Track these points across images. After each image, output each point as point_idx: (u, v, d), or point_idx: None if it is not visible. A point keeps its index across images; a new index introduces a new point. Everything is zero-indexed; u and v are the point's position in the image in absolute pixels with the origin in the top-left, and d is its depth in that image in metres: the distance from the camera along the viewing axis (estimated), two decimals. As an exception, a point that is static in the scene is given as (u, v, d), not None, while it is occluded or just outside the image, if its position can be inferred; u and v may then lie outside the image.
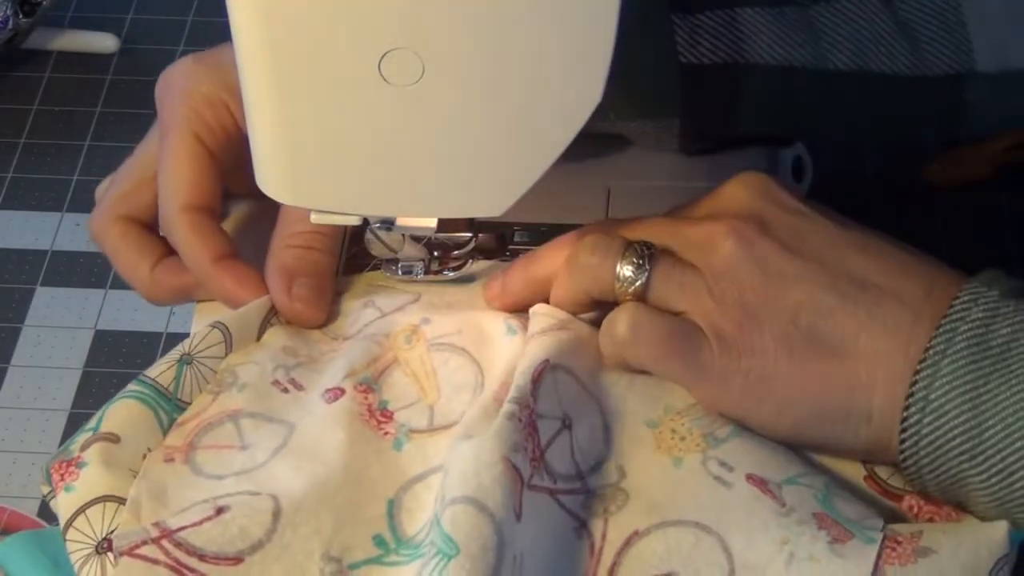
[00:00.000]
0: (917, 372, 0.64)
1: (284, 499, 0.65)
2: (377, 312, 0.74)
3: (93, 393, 1.64)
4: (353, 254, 0.79)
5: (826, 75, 0.78)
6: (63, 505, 0.67)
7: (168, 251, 0.78)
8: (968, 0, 0.78)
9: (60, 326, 1.69)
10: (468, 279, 0.76)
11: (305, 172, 0.67)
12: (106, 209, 0.79)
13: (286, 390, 0.71)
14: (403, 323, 0.73)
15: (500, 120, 0.65)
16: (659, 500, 0.65)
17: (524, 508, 0.63)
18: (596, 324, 0.70)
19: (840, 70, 0.78)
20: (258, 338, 0.74)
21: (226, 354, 0.72)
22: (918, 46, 0.78)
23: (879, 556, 0.62)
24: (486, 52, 0.63)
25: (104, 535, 0.66)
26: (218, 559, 0.63)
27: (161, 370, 0.71)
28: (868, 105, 0.79)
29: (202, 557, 0.63)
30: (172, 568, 0.63)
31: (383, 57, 0.62)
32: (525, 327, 0.71)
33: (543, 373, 0.67)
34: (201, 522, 0.64)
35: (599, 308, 0.70)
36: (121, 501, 0.66)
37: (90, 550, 0.65)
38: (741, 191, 0.70)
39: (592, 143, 0.77)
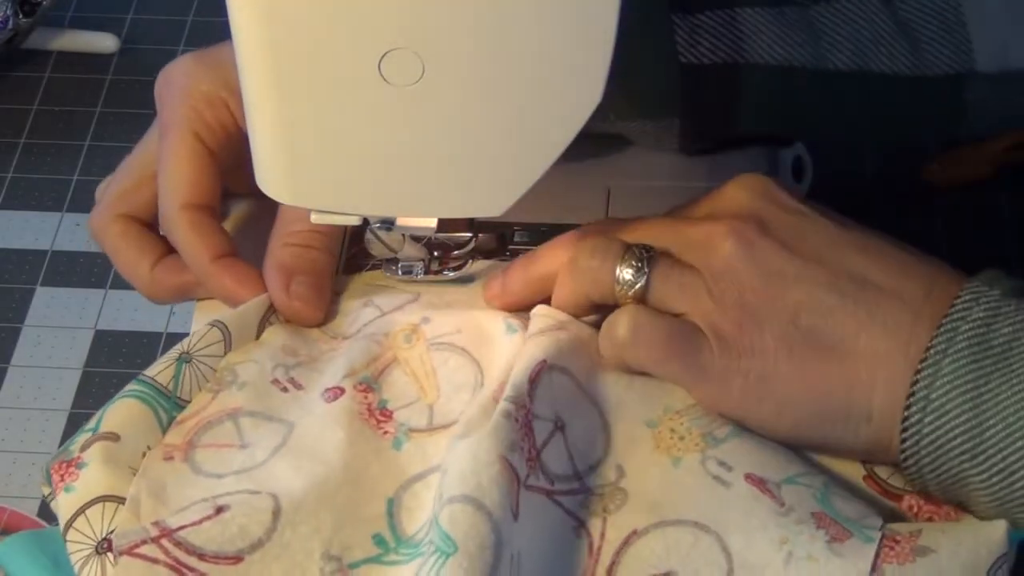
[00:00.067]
0: (918, 372, 0.64)
1: (284, 498, 0.65)
2: (377, 311, 0.74)
3: (93, 393, 1.64)
4: (353, 254, 0.79)
5: (826, 75, 0.78)
6: (63, 506, 0.67)
7: (168, 250, 0.78)
8: (968, 0, 0.78)
9: (60, 326, 1.69)
10: (468, 279, 0.76)
11: (305, 172, 0.67)
12: (106, 207, 0.79)
13: (285, 389, 0.71)
14: (403, 322, 0.73)
15: (500, 120, 0.65)
16: (658, 500, 0.65)
17: (521, 508, 0.63)
18: (596, 326, 0.70)
19: (840, 70, 0.78)
20: (257, 336, 0.74)
21: (225, 352, 0.72)
22: (918, 46, 0.78)
23: (877, 555, 0.62)
24: (486, 52, 0.63)
25: (104, 535, 0.66)
26: (218, 558, 0.63)
27: (160, 369, 0.71)
28: (868, 105, 0.79)
29: (202, 556, 0.63)
30: (172, 567, 0.63)
31: (383, 57, 0.62)
32: (525, 326, 0.71)
33: (540, 373, 0.67)
34: (201, 521, 0.64)
35: (600, 311, 0.70)
36: (121, 501, 0.66)
37: (90, 550, 0.65)
38: (741, 192, 0.70)
39: (592, 143, 0.77)
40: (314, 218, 0.70)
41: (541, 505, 0.65)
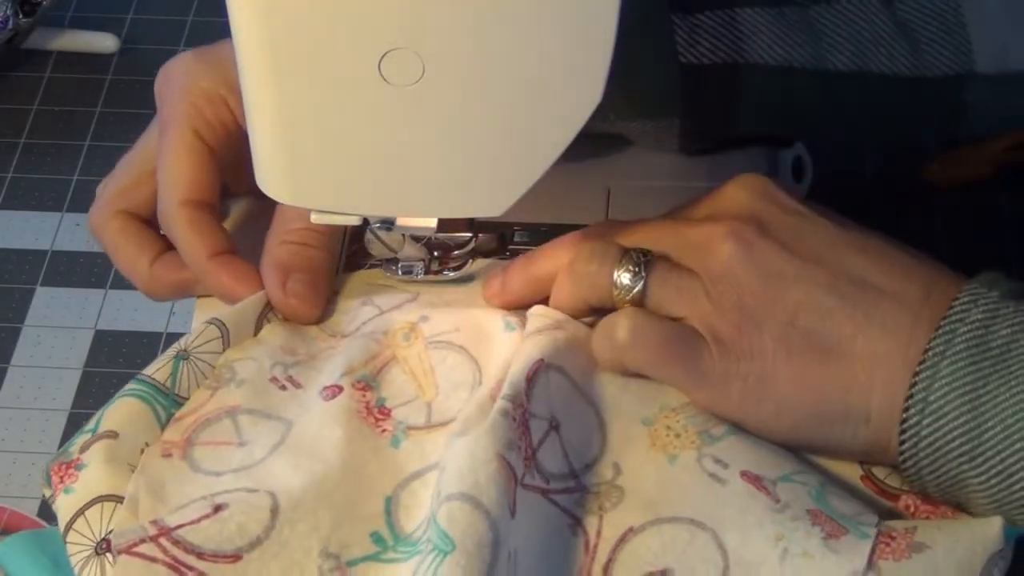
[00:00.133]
0: (916, 373, 0.64)
1: (282, 496, 0.65)
2: (375, 310, 0.75)
3: (93, 393, 1.64)
4: (353, 251, 0.79)
5: (826, 75, 0.78)
6: (62, 508, 0.67)
7: (167, 246, 0.77)
8: (968, 1, 0.78)
9: (60, 326, 1.69)
10: (468, 279, 0.76)
11: (305, 172, 0.67)
12: (105, 204, 0.79)
13: (284, 387, 0.71)
14: (401, 321, 0.73)
15: (500, 120, 0.65)
16: (654, 497, 0.66)
17: (518, 506, 0.63)
18: (592, 326, 0.70)
19: (840, 71, 0.78)
20: (255, 334, 0.74)
21: (223, 349, 0.72)
22: (918, 47, 0.78)
23: (873, 551, 0.62)
24: (486, 52, 0.63)
25: (103, 535, 0.66)
26: (216, 557, 0.63)
27: (157, 367, 0.71)
28: (868, 106, 0.80)
29: (200, 555, 0.63)
30: (170, 566, 0.63)
31: (383, 57, 0.62)
32: (523, 324, 0.71)
33: (538, 373, 0.67)
34: (199, 520, 0.64)
35: (597, 314, 0.71)
36: (119, 500, 0.66)
37: (89, 551, 0.65)
38: (740, 192, 0.70)
39: (592, 143, 0.77)
40: (314, 218, 0.70)
41: (537, 504, 0.65)
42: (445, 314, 0.73)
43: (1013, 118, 0.81)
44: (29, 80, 1.91)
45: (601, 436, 0.68)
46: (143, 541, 0.63)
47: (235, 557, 0.64)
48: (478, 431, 0.64)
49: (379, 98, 0.64)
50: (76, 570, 0.66)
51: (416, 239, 0.74)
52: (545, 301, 0.72)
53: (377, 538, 0.65)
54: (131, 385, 0.70)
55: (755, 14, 0.78)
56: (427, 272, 0.76)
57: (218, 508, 0.64)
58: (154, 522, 0.64)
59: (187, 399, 0.71)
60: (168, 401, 0.70)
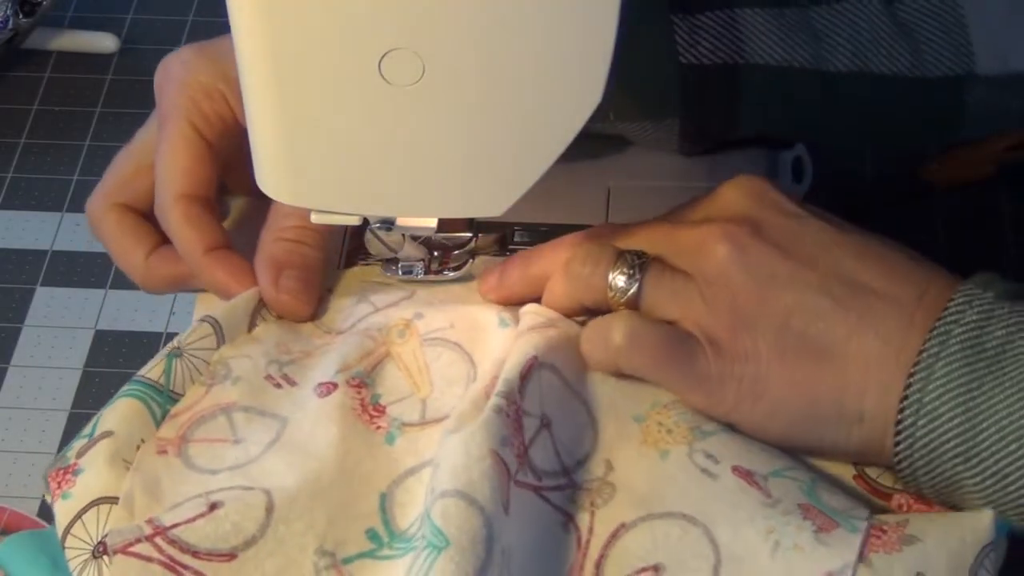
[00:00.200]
0: (911, 375, 0.64)
1: (277, 494, 0.65)
2: (370, 307, 0.75)
3: (93, 393, 1.64)
4: (352, 248, 0.79)
5: (826, 76, 0.78)
6: (60, 513, 0.67)
7: (164, 240, 0.77)
8: (968, 2, 0.78)
9: (60, 326, 1.69)
10: (467, 279, 0.76)
11: (305, 172, 0.67)
12: (103, 196, 0.79)
13: (279, 385, 0.71)
14: (396, 318, 0.73)
15: (500, 120, 0.65)
16: (645, 493, 0.66)
17: (511, 503, 0.63)
18: (583, 326, 0.71)
19: (840, 71, 0.78)
20: (249, 330, 0.74)
21: (217, 346, 0.72)
22: (918, 48, 0.78)
23: (864, 544, 0.62)
24: (486, 52, 0.63)
25: (100, 538, 0.66)
26: (212, 556, 0.63)
27: (151, 366, 0.71)
28: (868, 106, 0.80)
29: (196, 554, 0.63)
30: (166, 566, 0.63)
31: (383, 57, 0.62)
32: (517, 320, 0.71)
33: (531, 370, 0.67)
34: (194, 519, 0.64)
35: (590, 314, 0.71)
36: (116, 502, 0.66)
37: (87, 555, 0.65)
38: (736, 194, 0.70)
39: (592, 143, 0.77)
40: (314, 218, 0.70)
41: (529, 501, 0.65)
42: (440, 311, 0.73)
43: (1013, 119, 0.81)
44: (29, 80, 1.91)
45: (593, 433, 0.68)
46: (139, 541, 0.63)
47: (231, 556, 0.64)
48: (472, 427, 0.64)
49: (379, 98, 0.64)
50: (75, 574, 0.66)
51: (416, 239, 0.74)
52: (540, 299, 0.72)
53: (372, 535, 0.65)
54: (126, 387, 0.70)
55: (755, 15, 0.78)
56: (427, 272, 0.76)
57: (213, 507, 0.64)
58: (149, 521, 0.64)
59: (182, 395, 0.71)
60: (163, 398, 0.70)
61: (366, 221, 0.72)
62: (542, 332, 0.69)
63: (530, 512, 0.65)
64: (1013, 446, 0.62)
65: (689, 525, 0.64)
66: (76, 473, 0.67)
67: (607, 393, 0.69)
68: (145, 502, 0.66)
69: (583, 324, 0.70)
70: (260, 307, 0.74)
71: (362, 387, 0.70)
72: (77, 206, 1.79)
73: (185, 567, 0.63)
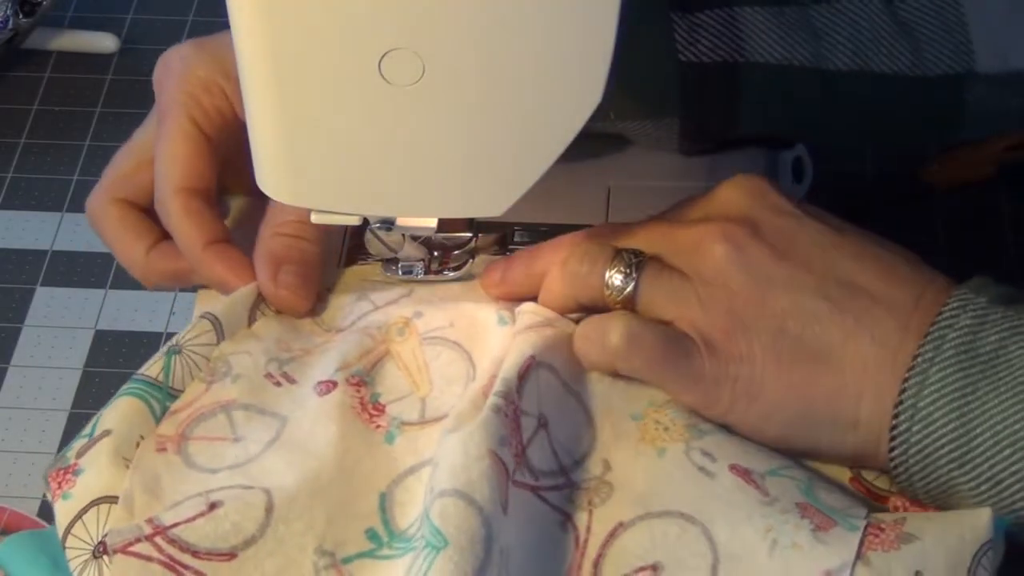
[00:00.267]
0: (906, 380, 0.64)
1: (277, 493, 0.65)
2: (370, 305, 0.75)
3: (93, 393, 1.64)
4: (352, 247, 0.79)
5: (826, 74, 0.78)
6: (60, 513, 0.67)
7: (164, 235, 0.77)
8: (968, 1, 0.78)
9: (60, 326, 1.69)
10: (467, 279, 0.76)
11: (305, 172, 0.67)
12: (103, 191, 0.79)
13: (279, 384, 0.71)
14: (396, 316, 0.73)
15: (500, 120, 0.65)
16: (643, 492, 0.66)
17: (509, 503, 0.63)
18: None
19: (840, 70, 0.78)
20: (248, 325, 0.74)
21: (217, 342, 0.72)
22: (918, 46, 0.78)
23: (862, 543, 0.62)
24: (486, 52, 0.63)
25: (100, 539, 0.65)
26: (212, 555, 0.63)
27: (150, 364, 0.71)
28: (868, 105, 0.79)
29: (195, 553, 0.63)
30: (166, 565, 0.63)
31: (383, 57, 0.62)
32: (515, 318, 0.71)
33: (529, 370, 0.67)
34: (194, 518, 0.64)
35: (587, 313, 0.71)
36: (116, 501, 0.66)
37: (87, 555, 0.65)
38: (734, 193, 0.70)
39: (592, 143, 0.77)
40: (314, 218, 0.70)
41: (527, 500, 0.65)
42: (439, 309, 0.73)
43: (1013, 117, 0.81)
44: (29, 80, 1.90)
45: (590, 433, 0.68)
46: (139, 540, 0.63)
47: (230, 555, 0.64)
48: (471, 427, 0.64)
49: (379, 98, 0.63)
50: (75, 574, 0.65)
51: (416, 239, 0.74)
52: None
53: (372, 535, 0.65)
54: (126, 386, 0.70)
55: (755, 13, 0.78)
56: (427, 272, 0.76)
57: (213, 506, 0.64)
58: (149, 520, 0.64)
59: (182, 391, 0.70)
60: (162, 394, 0.70)
61: (366, 221, 0.72)
62: (539, 331, 0.69)
63: (528, 512, 0.65)
64: (1007, 451, 0.62)
65: (687, 524, 0.64)
66: (76, 473, 0.67)
67: (604, 392, 0.69)
68: (145, 501, 0.66)
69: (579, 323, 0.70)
70: (259, 302, 0.74)
71: (361, 386, 0.70)
72: (77, 206, 1.79)
73: (185, 567, 0.63)
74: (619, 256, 0.69)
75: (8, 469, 1.59)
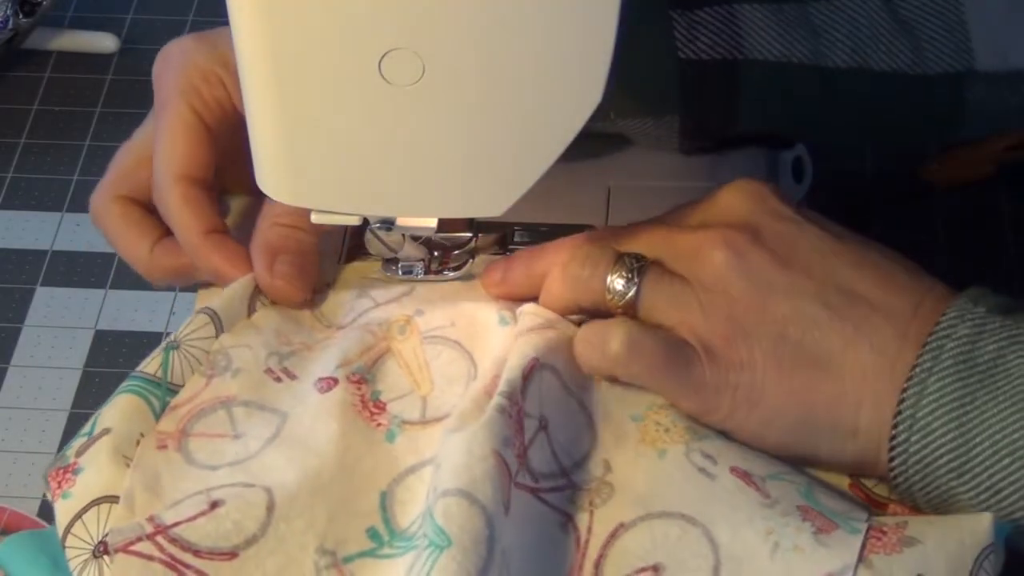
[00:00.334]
0: (904, 390, 0.64)
1: (278, 491, 0.65)
2: (371, 302, 0.74)
3: (93, 393, 1.64)
4: (352, 248, 0.79)
5: (825, 72, 0.78)
6: (61, 512, 0.67)
7: (167, 232, 0.77)
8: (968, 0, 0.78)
9: (60, 326, 1.69)
10: (467, 279, 0.76)
11: (305, 172, 0.67)
12: (106, 188, 0.78)
13: (279, 379, 0.71)
14: (397, 314, 0.73)
15: (500, 120, 0.65)
16: (644, 493, 0.66)
17: (510, 504, 0.63)
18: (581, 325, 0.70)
19: (839, 67, 0.78)
20: (248, 315, 0.73)
21: (216, 335, 0.72)
22: (918, 44, 0.78)
23: (864, 546, 0.62)
24: (486, 52, 0.63)
25: (101, 538, 0.65)
26: (213, 554, 0.63)
27: (148, 361, 0.71)
28: (868, 102, 0.79)
29: (197, 552, 0.63)
30: (167, 564, 0.63)
31: (383, 57, 0.62)
32: (516, 318, 0.71)
33: (533, 371, 0.67)
34: (195, 517, 0.64)
35: (586, 315, 0.71)
36: (116, 500, 0.66)
37: (88, 555, 0.65)
38: (735, 198, 0.69)
39: (592, 143, 0.77)
40: (314, 218, 0.70)
41: (527, 502, 0.65)
42: (440, 309, 0.73)
43: (1013, 117, 0.81)
44: (29, 80, 1.90)
45: (591, 435, 0.68)
46: (140, 539, 0.63)
47: (232, 555, 0.64)
48: (474, 427, 0.64)
49: (379, 98, 0.64)
50: (75, 574, 0.65)
51: (416, 239, 0.74)
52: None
53: (373, 534, 0.65)
54: (124, 383, 0.70)
55: (754, 10, 0.78)
56: (427, 272, 0.76)
57: (214, 504, 0.64)
58: (150, 519, 0.64)
59: (181, 387, 0.70)
60: (161, 391, 0.70)
61: (366, 221, 0.72)
62: (542, 333, 0.69)
63: (528, 513, 0.65)
64: (1006, 460, 0.62)
65: (688, 525, 0.64)
66: (76, 472, 0.67)
67: (604, 394, 0.69)
68: (146, 499, 0.66)
69: (580, 325, 0.70)
70: (257, 293, 0.74)
71: (362, 383, 0.70)
72: (77, 206, 1.79)
73: (186, 566, 0.63)
74: (621, 261, 0.69)
75: (8, 469, 1.59)
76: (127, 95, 1.90)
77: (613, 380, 0.69)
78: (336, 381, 0.69)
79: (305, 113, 0.65)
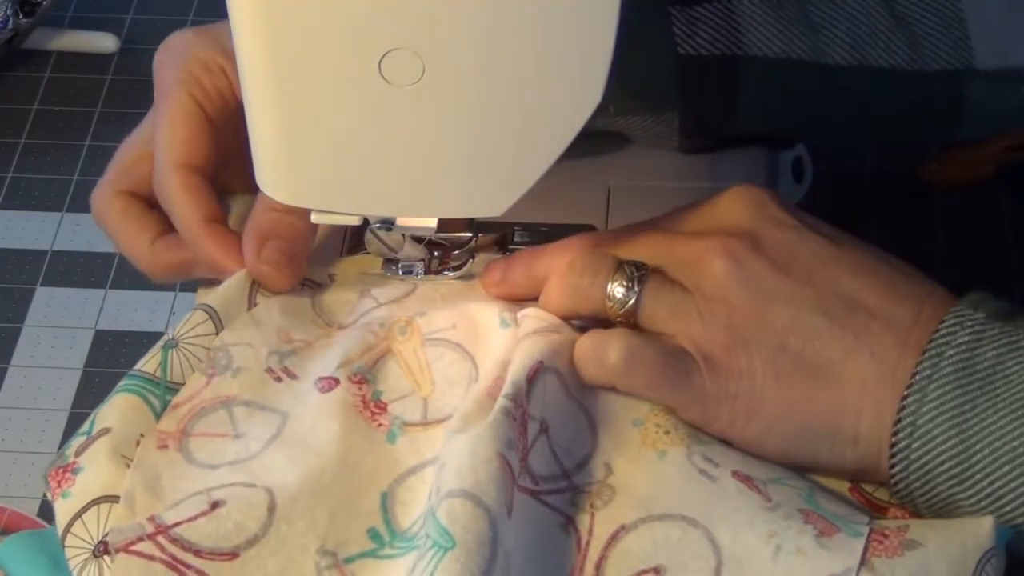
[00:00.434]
0: (905, 397, 0.64)
1: (279, 492, 0.65)
2: (373, 302, 0.74)
3: (93, 393, 1.64)
4: (352, 248, 0.79)
5: (824, 68, 0.78)
6: (60, 512, 0.67)
7: (170, 227, 0.77)
8: (968, -1, 0.78)
9: (60, 326, 1.69)
10: (468, 279, 0.76)
11: (305, 172, 0.67)
12: (107, 184, 0.78)
13: (280, 379, 0.71)
14: (399, 314, 0.73)
15: (500, 120, 0.65)
16: (645, 495, 0.66)
17: (512, 506, 0.63)
18: (583, 331, 0.70)
19: (838, 64, 0.78)
20: (248, 308, 0.73)
21: (216, 332, 0.72)
22: (916, 41, 0.78)
23: (866, 549, 0.62)
24: (486, 52, 0.63)
25: (101, 538, 0.65)
26: (214, 555, 0.63)
27: (146, 360, 0.71)
28: (867, 99, 0.79)
29: (197, 553, 0.63)
30: (168, 564, 0.63)
31: (383, 57, 0.62)
32: (518, 320, 0.71)
33: (537, 374, 0.67)
34: (196, 517, 0.64)
35: (585, 320, 0.71)
36: (116, 500, 0.66)
37: (87, 554, 0.65)
38: (735, 205, 0.69)
39: (592, 142, 0.77)
40: (314, 218, 0.70)
41: (528, 504, 0.65)
42: (442, 309, 0.73)
43: (1013, 117, 0.81)
44: (29, 80, 1.90)
45: (592, 438, 0.68)
46: (140, 539, 0.63)
47: (232, 555, 0.64)
48: (479, 428, 0.64)
49: (379, 98, 0.64)
50: (75, 574, 0.65)
51: (416, 239, 0.74)
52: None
53: (374, 534, 0.65)
54: (122, 382, 0.70)
55: (753, 6, 0.78)
56: (427, 272, 0.76)
57: (215, 505, 0.64)
58: (151, 519, 0.64)
59: (181, 385, 0.70)
60: (160, 390, 0.70)
61: (366, 221, 0.72)
62: (546, 336, 0.69)
63: (529, 515, 0.65)
64: (1007, 467, 0.62)
65: (689, 527, 0.64)
66: (76, 472, 0.67)
67: (607, 398, 0.69)
68: (146, 499, 0.66)
69: (582, 330, 0.70)
70: (257, 287, 0.74)
71: (363, 383, 0.70)
72: (77, 206, 1.79)
73: (187, 566, 0.63)
74: (621, 269, 0.69)
75: (8, 469, 1.59)
76: (127, 95, 1.90)
77: (614, 390, 0.69)
78: (337, 381, 0.69)
79: (305, 113, 0.65)
